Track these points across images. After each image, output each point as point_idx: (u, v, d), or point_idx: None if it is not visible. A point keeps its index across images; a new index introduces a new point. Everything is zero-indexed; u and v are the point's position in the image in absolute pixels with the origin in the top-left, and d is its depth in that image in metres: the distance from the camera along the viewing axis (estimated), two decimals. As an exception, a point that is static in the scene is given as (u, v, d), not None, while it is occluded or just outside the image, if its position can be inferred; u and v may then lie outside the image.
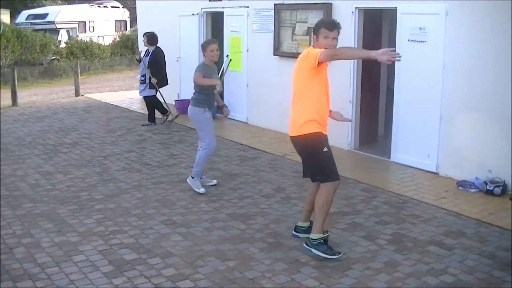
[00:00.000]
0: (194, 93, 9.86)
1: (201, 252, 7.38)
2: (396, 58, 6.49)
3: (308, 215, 7.75)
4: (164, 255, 7.30)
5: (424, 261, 7.06)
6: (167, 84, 15.53)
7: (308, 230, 7.63)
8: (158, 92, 15.39)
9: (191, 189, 9.91)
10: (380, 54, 6.51)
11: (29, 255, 7.35)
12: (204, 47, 9.88)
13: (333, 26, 7.13)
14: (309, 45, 12.70)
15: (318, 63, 6.83)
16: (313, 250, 7.13)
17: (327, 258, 7.08)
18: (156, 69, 15.13)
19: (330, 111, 7.41)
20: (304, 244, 7.26)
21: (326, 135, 7.23)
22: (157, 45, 15.26)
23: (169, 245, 7.60)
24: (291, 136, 7.41)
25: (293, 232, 7.86)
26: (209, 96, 9.76)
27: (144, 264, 7.06)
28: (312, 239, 7.18)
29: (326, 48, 6.97)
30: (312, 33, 7.32)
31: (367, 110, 12.52)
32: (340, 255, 7.12)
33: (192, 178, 9.94)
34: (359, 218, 8.52)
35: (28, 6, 50.07)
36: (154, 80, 14.97)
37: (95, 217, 8.72)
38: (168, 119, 15.72)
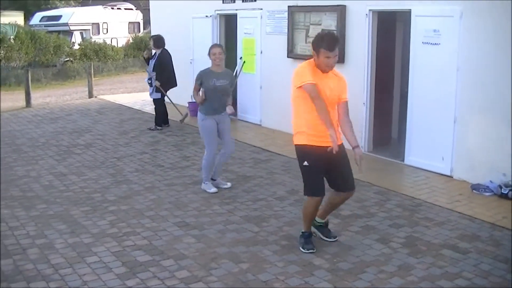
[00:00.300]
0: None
1: (214, 254, 7.37)
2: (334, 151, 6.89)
3: (322, 213, 7.79)
4: (177, 257, 7.29)
5: (438, 265, 7.03)
6: (174, 86, 15.47)
7: (319, 228, 7.82)
8: (165, 95, 15.42)
9: (204, 191, 9.92)
10: (332, 136, 6.88)
11: (43, 256, 7.36)
12: (208, 51, 9.95)
13: (334, 46, 7.00)
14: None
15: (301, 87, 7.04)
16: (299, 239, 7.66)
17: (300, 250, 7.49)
18: (160, 72, 15.12)
19: (344, 121, 7.34)
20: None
21: (321, 146, 7.11)
22: (165, 47, 15.21)
23: (182, 247, 7.60)
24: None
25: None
26: (212, 103, 9.78)
27: (157, 266, 7.07)
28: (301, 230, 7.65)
29: (326, 67, 7.06)
30: (311, 48, 7.20)
31: (381, 113, 12.49)
32: (309, 251, 7.42)
33: (203, 183, 10.08)
34: (373, 221, 8.49)
35: (42, 8, 50.26)
36: (157, 83, 14.99)
37: (108, 218, 8.73)
38: (179, 119, 15.76)
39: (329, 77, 7.14)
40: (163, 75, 15.17)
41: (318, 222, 7.83)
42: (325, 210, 7.75)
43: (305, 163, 7.18)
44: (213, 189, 9.94)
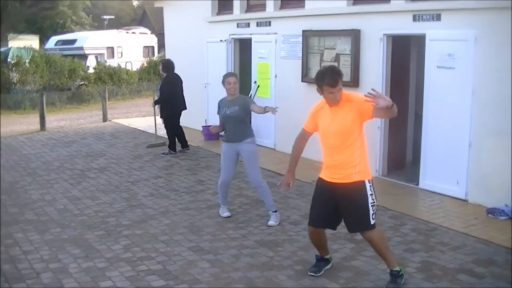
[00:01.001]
0: None
1: (229, 279, 7.35)
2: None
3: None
4: (191, 282, 7.28)
5: (454, 290, 6.99)
6: (177, 110, 15.37)
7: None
8: (162, 119, 15.67)
9: (218, 216, 9.94)
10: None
11: (56, 280, 7.37)
12: (223, 80, 9.88)
13: (336, 82, 6.91)
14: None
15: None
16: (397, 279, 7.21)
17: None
18: (160, 96, 15.35)
19: None
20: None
21: (327, 181, 7.22)
22: (175, 72, 15.21)
23: (196, 272, 7.58)
24: None
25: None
26: (227, 131, 9.82)
27: (171, 290, 7.05)
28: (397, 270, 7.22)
29: (332, 101, 7.05)
30: (316, 84, 7.13)
31: (395, 136, 12.46)
32: (312, 274, 7.41)
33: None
34: (389, 244, 8.44)
35: (57, 31, 50.59)
36: (153, 105, 15.47)
37: (122, 243, 8.73)
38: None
39: (340, 108, 7.03)
40: (160, 99, 15.33)
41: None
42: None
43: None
44: (226, 214, 9.94)
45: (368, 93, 6.58)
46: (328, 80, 6.90)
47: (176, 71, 15.24)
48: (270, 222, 9.58)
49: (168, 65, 15.24)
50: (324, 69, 7.20)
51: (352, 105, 6.99)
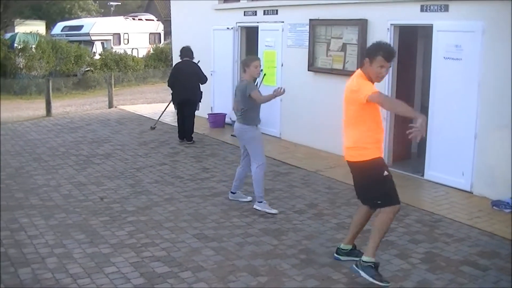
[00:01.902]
0: (242, 110, 9.62)
1: (233, 267, 7.37)
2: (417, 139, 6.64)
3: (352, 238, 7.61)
4: (195, 269, 7.29)
5: (458, 281, 6.99)
6: (178, 99, 15.25)
7: (350, 252, 7.54)
8: (174, 106, 15.68)
9: (223, 203, 9.95)
10: (419, 119, 6.46)
11: (61, 265, 7.38)
12: (247, 63, 9.61)
13: (392, 56, 6.87)
14: (344, 61, 12.71)
15: (367, 100, 6.69)
16: (362, 273, 6.81)
17: (375, 284, 6.75)
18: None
19: None
20: (354, 265, 6.96)
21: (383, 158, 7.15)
22: (186, 59, 15.04)
23: (200, 259, 7.60)
24: (348, 161, 7.16)
25: (335, 254, 7.63)
26: (258, 113, 9.71)
27: (175, 277, 7.07)
28: (363, 261, 6.87)
29: (377, 77, 6.90)
30: (365, 55, 7.01)
31: (401, 127, 12.43)
32: (388, 284, 6.77)
33: (259, 202, 9.66)
34: (392, 236, 8.44)
35: (64, 17, 50.58)
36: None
37: (127, 229, 8.74)
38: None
39: None
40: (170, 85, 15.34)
41: (347, 249, 7.60)
42: (353, 235, 7.59)
43: (385, 173, 6.97)
44: (274, 210, 9.57)
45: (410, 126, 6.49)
46: (385, 52, 6.82)
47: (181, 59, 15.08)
48: (249, 198, 10.05)
49: (181, 52, 15.17)
50: (381, 41, 7.11)
51: None
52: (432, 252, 7.88)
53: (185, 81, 14.86)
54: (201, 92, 15.13)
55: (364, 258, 6.87)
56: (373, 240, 6.89)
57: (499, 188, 9.95)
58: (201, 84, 15.01)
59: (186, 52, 15.05)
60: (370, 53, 6.88)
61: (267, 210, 9.51)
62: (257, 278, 7.05)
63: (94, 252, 7.84)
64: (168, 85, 15.33)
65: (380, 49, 6.84)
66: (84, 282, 6.91)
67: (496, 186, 10.03)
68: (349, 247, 7.59)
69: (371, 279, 6.74)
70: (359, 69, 7.08)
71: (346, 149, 7.14)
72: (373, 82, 6.90)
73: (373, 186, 7.04)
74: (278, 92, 9.40)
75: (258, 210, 9.59)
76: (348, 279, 7.04)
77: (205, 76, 15.14)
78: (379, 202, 6.99)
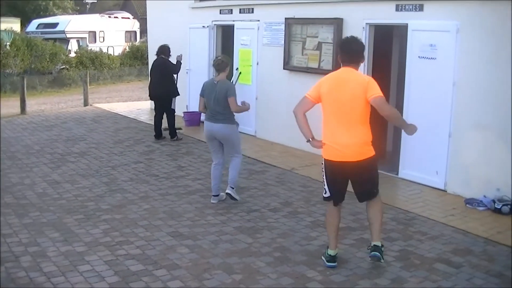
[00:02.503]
0: (224, 111, 9.71)
1: (208, 265, 7.37)
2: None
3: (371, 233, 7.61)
4: (170, 267, 7.28)
5: (431, 279, 7.02)
6: (152, 95, 15.43)
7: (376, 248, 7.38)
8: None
9: (198, 201, 9.95)
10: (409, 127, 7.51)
11: (35, 264, 7.35)
12: (228, 63, 10.08)
13: (350, 47, 7.15)
14: (319, 59, 12.73)
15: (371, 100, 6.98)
16: (383, 256, 7.28)
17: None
18: None
19: None
20: (374, 253, 7.19)
21: None
22: (161, 56, 15.08)
23: (175, 257, 7.59)
24: (354, 161, 7.15)
25: (329, 264, 7.45)
26: (209, 109, 9.88)
27: (150, 275, 7.05)
28: (381, 246, 7.27)
29: None
30: (360, 57, 7.21)
31: (376, 126, 12.43)
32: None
33: (232, 188, 9.91)
34: (367, 234, 8.44)
35: (39, 15, 50.31)
36: None
37: (101, 227, 8.72)
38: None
39: None
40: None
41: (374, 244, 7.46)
42: (371, 232, 7.57)
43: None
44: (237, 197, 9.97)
45: None
46: (350, 43, 7.27)
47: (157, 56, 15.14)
48: (214, 201, 10.06)
49: (158, 49, 15.23)
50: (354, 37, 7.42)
51: None
52: (406, 249, 7.92)
53: (157, 77, 14.99)
54: (176, 88, 15.15)
55: (379, 243, 7.23)
56: (380, 225, 7.39)
57: (473, 186, 10.03)
58: (174, 73, 15.22)
59: (162, 49, 15.13)
60: (338, 48, 7.33)
61: (236, 197, 9.88)
62: (232, 276, 7.05)
63: (68, 250, 7.80)
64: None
65: (341, 44, 7.45)
66: (58, 281, 6.88)
67: (470, 184, 10.10)
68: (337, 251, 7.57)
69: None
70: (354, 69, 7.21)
71: (353, 147, 7.15)
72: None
73: (377, 177, 7.50)
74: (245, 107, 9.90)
75: (231, 196, 9.83)
76: (323, 277, 7.06)
77: (175, 65, 15.21)
78: (375, 191, 7.43)
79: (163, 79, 14.96)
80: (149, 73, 15.36)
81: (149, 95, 15.64)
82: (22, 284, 6.78)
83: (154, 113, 15.35)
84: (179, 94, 15.30)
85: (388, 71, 12.84)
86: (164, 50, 15.08)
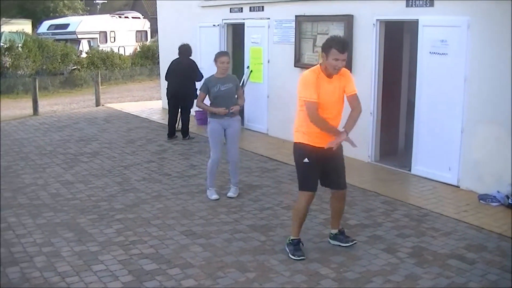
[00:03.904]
0: (235, 104, 10.08)
1: (221, 263, 7.38)
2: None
3: (332, 223, 8.03)
4: (184, 266, 7.30)
5: (445, 275, 7.01)
6: (173, 96, 15.23)
7: (336, 236, 7.96)
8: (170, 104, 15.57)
9: (211, 200, 9.96)
10: (340, 135, 7.24)
11: (50, 264, 7.38)
12: (215, 58, 9.98)
13: (344, 48, 7.15)
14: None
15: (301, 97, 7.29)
16: (286, 247, 7.75)
17: (290, 257, 7.54)
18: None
19: (351, 112, 7.56)
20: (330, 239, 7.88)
21: (319, 147, 7.36)
22: (182, 56, 15.10)
23: (189, 256, 7.60)
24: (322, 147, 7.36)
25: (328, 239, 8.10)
26: (222, 106, 9.89)
27: (163, 274, 7.07)
28: (290, 237, 7.74)
29: (334, 69, 7.19)
30: (321, 50, 7.31)
31: (388, 123, 12.48)
32: (300, 258, 7.46)
33: (207, 189, 10.25)
34: (380, 230, 8.48)
35: (49, 16, 50.42)
36: None
37: (115, 227, 8.74)
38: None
39: (332, 81, 7.31)
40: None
41: (334, 233, 7.98)
42: (332, 219, 7.93)
43: (306, 160, 7.39)
44: (214, 196, 10.08)
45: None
46: (338, 44, 7.12)
47: (168, 56, 15.16)
48: (230, 194, 10.20)
49: (179, 49, 15.18)
50: (335, 35, 7.54)
51: (341, 78, 7.37)
52: (419, 246, 7.91)
53: (182, 77, 14.91)
54: (196, 89, 15.16)
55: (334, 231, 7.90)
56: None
57: (486, 182, 10.00)
58: (197, 81, 15.10)
59: (187, 50, 15.16)
60: (325, 48, 7.22)
61: (209, 196, 10.22)
62: (246, 274, 7.06)
63: (82, 250, 7.83)
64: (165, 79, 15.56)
65: (333, 42, 7.19)
66: (73, 280, 6.91)
67: (483, 180, 10.07)
68: (336, 231, 8.00)
69: (289, 254, 7.62)
70: (318, 65, 7.39)
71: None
72: (331, 76, 7.26)
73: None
74: (219, 110, 9.93)
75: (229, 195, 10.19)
76: (336, 274, 7.06)
77: (200, 73, 15.07)
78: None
79: (188, 80, 14.92)
80: (168, 71, 15.20)
81: (168, 94, 15.34)
82: (36, 284, 6.81)
83: (169, 113, 15.34)
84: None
85: (399, 67, 12.79)
86: (189, 51, 15.14)
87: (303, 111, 7.33)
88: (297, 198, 7.74)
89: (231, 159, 10.20)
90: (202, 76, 15.03)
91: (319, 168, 7.45)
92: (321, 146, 7.27)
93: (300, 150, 7.51)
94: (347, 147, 7.46)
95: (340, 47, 7.08)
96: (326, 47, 7.17)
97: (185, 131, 15.23)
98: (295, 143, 7.61)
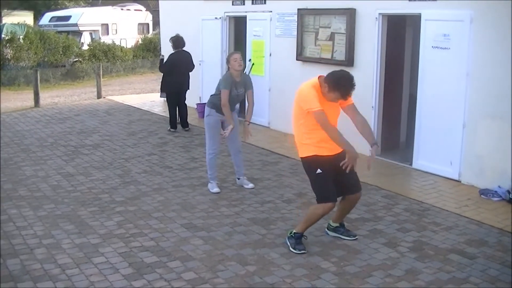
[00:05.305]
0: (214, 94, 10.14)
1: (222, 257, 7.38)
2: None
3: (335, 218, 8.00)
4: (184, 259, 7.30)
5: (446, 270, 7.01)
6: (173, 90, 15.30)
7: (337, 229, 8.01)
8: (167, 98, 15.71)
9: (211, 193, 9.96)
10: (351, 153, 7.10)
11: (50, 256, 7.38)
12: (228, 58, 10.03)
13: (349, 94, 7.19)
14: (332, 50, 12.69)
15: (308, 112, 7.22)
16: (287, 239, 7.73)
17: (291, 250, 7.55)
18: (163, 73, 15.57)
19: (359, 121, 7.55)
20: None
21: (330, 155, 7.41)
22: (181, 49, 15.09)
23: (189, 249, 7.61)
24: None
25: (326, 229, 8.15)
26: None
27: (164, 267, 7.07)
28: (292, 231, 7.70)
29: (333, 101, 7.23)
30: (327, 84, 7.16)
31: (389, 117, 12.46)
32: (300, 252, 7.47)
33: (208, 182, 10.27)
34: (380, 224, 8.48)
35: (51, 8, 50.39)
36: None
37: (115, 219, 8.74)
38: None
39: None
40: (163, 76, 15.49)
41: (334, 225, 8.03)
42: (337, 216, 7.95)
43: (319, 170, 7.30)
44: (215, 189, 10.08)
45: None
46: (344, 92, 7.09)
47: (170, 49, 15.15)
48: (250, 186, 10.27)
49: (176, 42, 15.14)
50: (344, 76, 7.20)
51: None
52: (420, 240, 7.91)
53: (183, 71, 15.13)
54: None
55: (295, 229, 7.75)
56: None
57: (487, 177, 9.99)
58: (190, 72, 15.38)
59: (182, 41, 15.15)
60: (330, 86, 7.13)
61: (210, 190, 10.23)
62: (246, 267, 7.06)
63: (82, 242, 7.84)
64: (163, 74, 15.62)
65: (343, 86, 7.10)
66: (73, 273, 6.91)
67: (484, 175, 10.07)
68: (337, 224, 8.05)
69: (290, 247, 7.63)
70: (317, 82, 7.33)
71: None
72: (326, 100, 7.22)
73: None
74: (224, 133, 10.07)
75: (249, 187, 10.31)
76: (337, 268, 7.06)
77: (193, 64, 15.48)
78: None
79: (187, 73, 15.24)
80: (169, 66, 15.10)
81: (172, 88, 15.33)
82: (37, 276, 6.81)
83: (169, 106, 15.40)
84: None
85: (401, 61, 12.77)
86: (183, 43, 15.16)
87: (303, 124, 7.38)
88: (302, 195, 7.71)
89: (236, 150, 10.28)
90: (194, 66, 15.18)
91: (333, 176, 7.37)
92: (328, 154, 7.29)
93: (309, 163, 7.44)
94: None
95: (345, 95, 7.13)
96: (332, 87, 7.09)
97: (185, 122, 15.33)
98: (302, 158, 7.57)
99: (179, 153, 12.79)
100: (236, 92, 9.88)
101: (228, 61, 9.96)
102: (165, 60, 15.37)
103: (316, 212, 7.50)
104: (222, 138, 10.21)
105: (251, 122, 10.28)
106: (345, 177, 7.39)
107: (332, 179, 7.38)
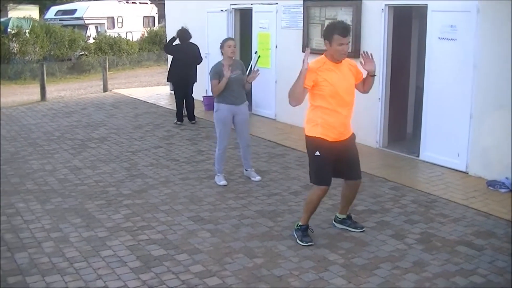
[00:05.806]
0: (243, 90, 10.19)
1: (229, 249, 7.38)
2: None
3: (341, 210, 8.05)
4: (191, 252, 7.30)
5: (453, 261, 7.00)
6: (180, 83, 15.39)
7: (344, 221, 8.03)
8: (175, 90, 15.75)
9: (218, 186, 9.97)
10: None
11: (58, 249, 7.39)
12: (221, 44, 10.02)
13: (346, 32, 7.23)
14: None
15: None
16: (294, 232, 7.75)
17: (298, 243, 7.55)
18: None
19: None
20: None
21: (333, 141, 7.42)
22: (188, 42, 15.11)
23: (196, 242, 7.61)
24: (350, 136, 7.57)
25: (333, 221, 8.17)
26: (230, 93, 9.95)
27: (171, 260, 7.08)
28: (298, 223, 7.74)
29: (340, 55, 7.32)
30: (323, 38, 7.41)
31: (396, 108, 12.44)
32: (308, 244, 7.47)
33: (216, 175, 10.29)
34: (388, 216, 8.47)
35: (57, 2, 50.34)
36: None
37: (123, 212, 8.75)
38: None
39: (342, 67, 7.37)
40: (169, 69, 15.49)
41: (341, 218, 8.05)
42: (342, 206, 7.96)
43: (317, 153, 7.33)
44: (223, 182, 10.08)
45: (364, 52, 7.36)
46: (340, 30, 7.18)
47: (176, 41, 15.17)
48: (257, 178, 10.27)
49: (181, 35, 15.17)
50: (334, 21, 7.64)
51: (352, 67, 7.48)
52: (427, 232, 7.90)
53: (190, 63, 15.20)
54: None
55: (300, 222, 7.78)
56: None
57: (495, 168, 9.96)
58: (198, 64, 15.41)
59: (188, 34, 15.20)
60: (326, 35, 7.33)
61: (217, 183, 10.23)
62: (254, 260, 7.06)
63: (90, 235, 7.85)
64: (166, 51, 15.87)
65: (334, 28, 7.29)
66: (81, 266, 6.93)
67: (492, 166, 10.04)
68: (344, 216, 8.08)
69: (297, 239, 7.64)
70: (323, 55, 7.49)
71: (347, 126, 7.52)
72: (340, 61, 7.35)
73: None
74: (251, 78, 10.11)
75: (257, 180, 10.31)
76: (344, 260, 7.05)
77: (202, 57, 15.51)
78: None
79: (194, 65, 15.25)
80: (176, 58, 15.23)
81: (178, 82, 15.46)
82: (45, 270, 6.82)
83: (176, 99, 15.39)
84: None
85: (407, 52, 12.74)
86: (189, 35, 15.18)
87: (316, 100, 7.43)
88: (309, 187, 7.72)
89: (244, 143, 10.29)
90: (202, 59, 15.16)
91: (332, 162, 7.39)
92: (332, 141, 7.30)
93: (311, 142, 7.47)
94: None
95: (342, 32, 7.17)
96: (328, 35, 7.26)
97: (192, 115, 15.32)
98: (306, 136, 7.58)
99: (185, 146, 12.79)
100: (234, 75, 9.87)
101: (222, 47, 9.97)
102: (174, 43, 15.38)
103: (311, 198, 7.56)
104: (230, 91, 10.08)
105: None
106: (346, 164, 7.51)
107: (332, 164, 7.42)
